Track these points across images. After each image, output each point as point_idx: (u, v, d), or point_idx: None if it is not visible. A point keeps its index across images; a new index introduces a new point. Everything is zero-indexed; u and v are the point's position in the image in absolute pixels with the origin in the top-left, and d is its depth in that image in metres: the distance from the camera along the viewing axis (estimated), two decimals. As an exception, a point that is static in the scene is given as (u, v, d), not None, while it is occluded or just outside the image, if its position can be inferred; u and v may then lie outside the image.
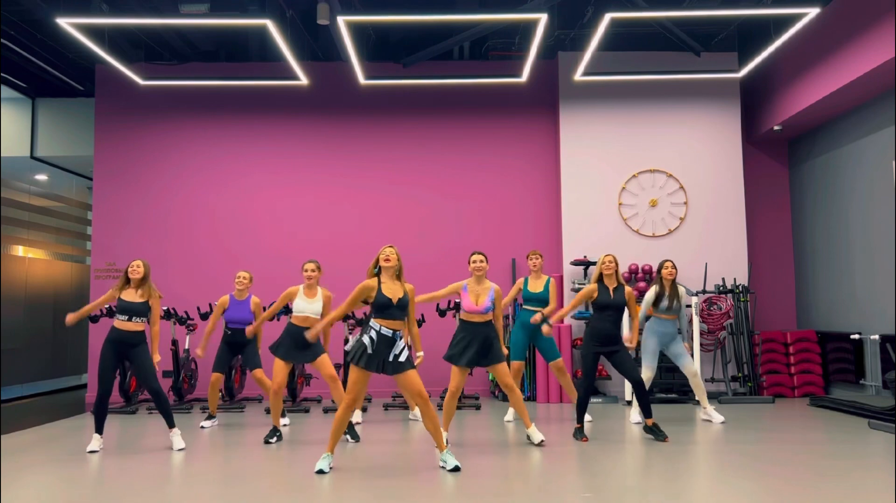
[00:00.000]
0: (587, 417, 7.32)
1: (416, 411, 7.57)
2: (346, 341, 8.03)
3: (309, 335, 5.30)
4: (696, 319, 8.57)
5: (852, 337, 8.49)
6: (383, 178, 9.93)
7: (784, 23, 7.99)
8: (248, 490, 4.62)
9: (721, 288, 9.17)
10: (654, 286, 7.03)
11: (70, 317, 6.29)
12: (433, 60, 9.74)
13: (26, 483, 4.91)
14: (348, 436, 6.34)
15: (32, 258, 11.94)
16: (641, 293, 8.74)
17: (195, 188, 9.89)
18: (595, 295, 6.27)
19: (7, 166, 10.94)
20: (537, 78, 9.71)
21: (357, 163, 9.95)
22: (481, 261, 5.99)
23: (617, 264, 6.30)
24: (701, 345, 8.96)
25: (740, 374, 8.95)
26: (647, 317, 7.14)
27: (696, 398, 7.30)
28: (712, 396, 8.87)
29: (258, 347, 7.27)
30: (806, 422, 7.20)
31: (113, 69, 8.99)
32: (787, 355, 9.23)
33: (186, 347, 8.74)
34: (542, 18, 7.07)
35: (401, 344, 5.10)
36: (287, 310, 7.78)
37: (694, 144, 9.63)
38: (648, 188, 9.60)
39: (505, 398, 9.00)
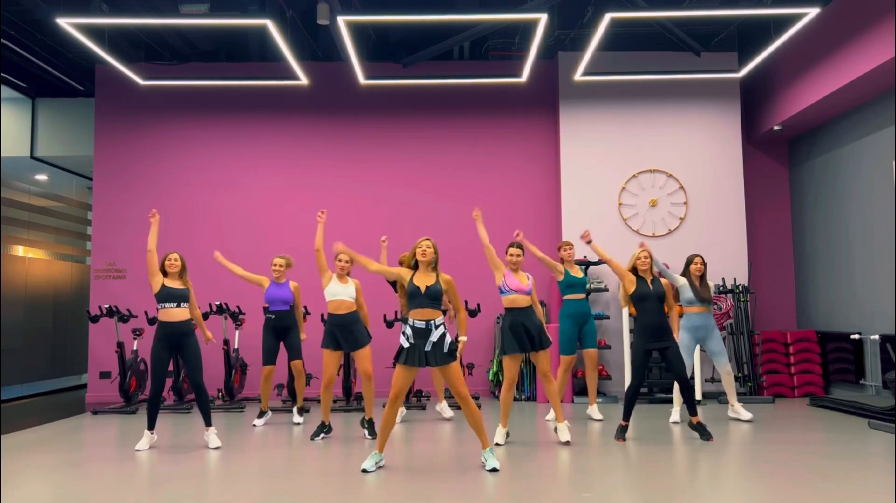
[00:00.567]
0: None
1: (443, 404, 7.61)
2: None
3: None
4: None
5: (852, 337, 8.49)
6: (383, 178, 9.94)
7: (784, 23, 7.99)
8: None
9: (721, 288, 9.17)
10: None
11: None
12: (433, 60, 9.74)
13: (26, 483, 4.91)
14: (366, 433, 6.38)
15: (32, 258, 11.94)
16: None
17: (195, 188, 9.89)
18: (631, 287, 6.27)
19: (7, 166, 10.94)
20: (537, 78, 9.71)
21: (357, 163, 9.95)
22: (518, 255, 6.19)
23: (652, 258, 6.34)
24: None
25: (740, 374, 8.95)
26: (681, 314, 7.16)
27: (726, 396, 7.44)
28: (712, 396, 8.88)
29: (300, 338, 7.34)
30: (806, 422, 7.20)
31: (113, 69, 8.99)
32: (787, 355, 9.23)
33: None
34: (542, 18, 7.08)
35: (437, 333, 5.09)
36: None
37: (694, 144, 9.63)
38: (648, 188, 9.60)
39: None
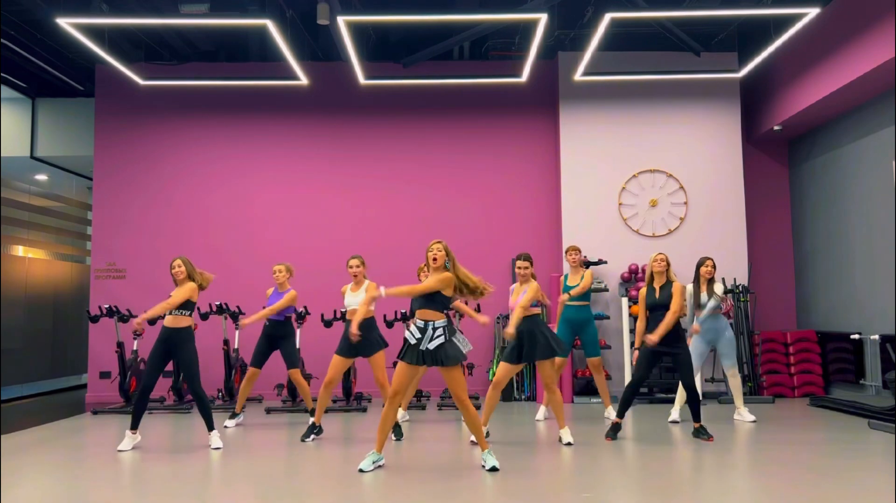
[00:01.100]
0: (607, 413, 7.37)
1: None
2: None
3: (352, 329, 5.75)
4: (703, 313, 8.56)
5: (852, 337, 8.49)
6: (383, 178, 9.93)
7: (784, 23, 7.99)
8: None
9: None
10: (690, 285, 7.14)
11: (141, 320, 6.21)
12: (433, 60, 9.74)
13: (26, 483, 4.91)
14: (392, 435, 6.37)
15: (32, 258, 11.95)
16: (633, 300, 8.82)
17: (195, 188, 9.89)
18: (642, 300, 6.44)
19: (7, 166, 10.94)
20: (537, 78, 9.71)
21: (357, 163, 9.94)
22: (525, 268, 6.21)
23: (668, 262, 6.41)
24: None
25: (740, 374, 8.94)
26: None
27: (732, 397, 7.50)
28: (712, 396, 8.88)
29: (296, 345, 7.30)
30: (806, 422, 7.20)
31: (113, 69, 8.99)
32: (787, 355, 9.22)
33: (237, 346, 8.78)
34: (542, 18, 7.07)
35: (432, 333, 5.10)
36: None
37: (694, 144, 9.63)
38: (648, 188, 9.60)
39: (504, 399, 9.01)
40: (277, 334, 7.18)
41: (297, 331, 7.95)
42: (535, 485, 4.72)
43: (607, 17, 7.16)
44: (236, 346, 8.89)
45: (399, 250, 9.49)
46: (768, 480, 4.73)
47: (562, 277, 7.55)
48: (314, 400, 6.70)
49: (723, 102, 9.65)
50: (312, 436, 6.39)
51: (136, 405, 5.99)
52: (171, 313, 6.00)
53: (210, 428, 6.09)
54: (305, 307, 8.87)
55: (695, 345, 7.08)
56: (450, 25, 8.93)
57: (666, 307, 6.26)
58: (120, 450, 5.93)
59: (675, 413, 7.18)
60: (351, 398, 8.48)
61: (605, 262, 9.31)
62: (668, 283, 6.35)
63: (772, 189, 10.37)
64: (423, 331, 5.11)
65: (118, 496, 4.52)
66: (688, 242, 9.45)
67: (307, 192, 9.90)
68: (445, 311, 5.21)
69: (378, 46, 10.01)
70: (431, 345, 5.07)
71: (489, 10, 8.14)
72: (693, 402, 6.28)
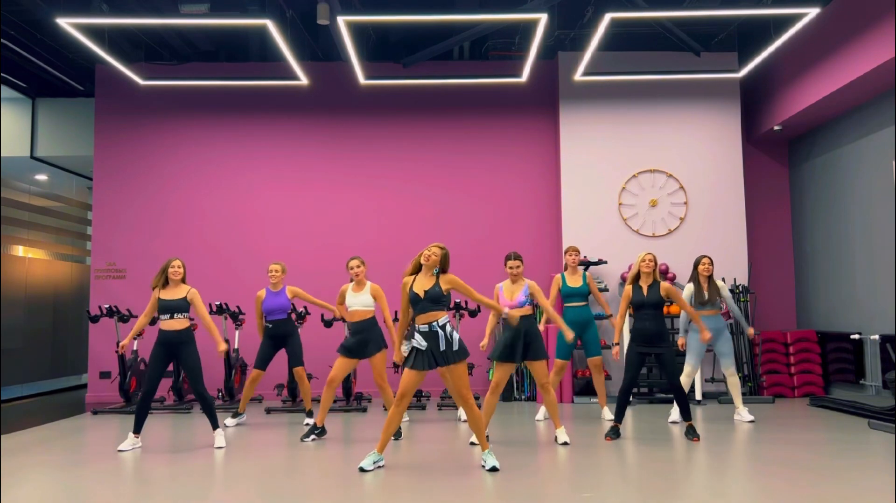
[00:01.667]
0: (607, 415, 7.37)
1: (461, 410, 7.58)
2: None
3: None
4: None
5: (852, 337, 8.50)
6: (383, 179, 9.93)
7: (784, 23, 7.99)
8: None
9: (721, 288, 9.17)
10: (689, 283, 7.14)
11: (123, 344, 6.48)
12: (433, 60, 9.74)
13: (26, 483, 4.91)
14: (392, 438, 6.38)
15: (32, 258, 11.95)
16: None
17: (195, 188, 9.89)
18: (627, 298, 6.43)
19: (7, 166, 10.94)
20: (537, 78, 9.71)
21: (357, 163, 9.95)
22: (517, 267, 6.19)
23: (656, 262, 6.41)
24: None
25: (740, 374, 8.95)
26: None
27: (731, 397, 7.43)
28: (712, 396, 8.88)
29: (300, 344, 7.34)
30: (806, 422, 7.20)
31: (113, 69, 8.99)
32: (787, 355, 9.22)
33: (237, 346, 8.79)
34: (542, 18, 7.07)
35: (444, 334, 5.11)
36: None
37: (694, 144, 9.63)
38: (648, 188, 9.60)
39: (504, 399, 9.01)
40: (281, 333, 7.22)
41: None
42: (535, 485, 4.72)
43: (607, 17, 7.16)
44: (236, 346, 8.89)
45: (399, 250, 9.49)
46: (768, 480, 4.73)
47: (557, 276, 7.43)
48: (315, 400, 6.72)
49: (723, 102, 9.65)
50: (313, 437, 6.39)
51: (138, 409, 6.00)
52: (170, 317, 6.00)
53: (214, 426, 6.10)
54: (305, 307, 8.88)
55: (689, 341, 7.09)
56: (450, 25, 8.93)
57: (654, 305, 6.27)
58: (120, 450, 5.93)
59: (674, 413, 7.18)
60: (351, 398, 8.48)
61: (605, 262, 9.31)
62: (656, 283, 6.36)
63: (772, 189, 10.37)
64: (432, 335, 5.10)
65: (118, 496, 4.52)
66: (688, 242, 9.45)
67: (307, 192, 9.90)
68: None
69: (378, 46, 10.01)
70: (454, 346, 5.11)
71: (489, 10, 8.14)
72: (680, 401, 6.28)
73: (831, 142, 9.35)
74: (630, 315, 7.27)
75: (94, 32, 8.09)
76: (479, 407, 7.95)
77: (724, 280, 9.24)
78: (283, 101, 9.96)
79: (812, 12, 7.14)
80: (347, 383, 8.41)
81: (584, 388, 9.13)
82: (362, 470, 5.06)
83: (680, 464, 5.32)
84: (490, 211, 9.93)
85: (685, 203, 9.57)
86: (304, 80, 8.73)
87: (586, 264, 9.25)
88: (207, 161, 9.93)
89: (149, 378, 5.96)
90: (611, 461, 5.44)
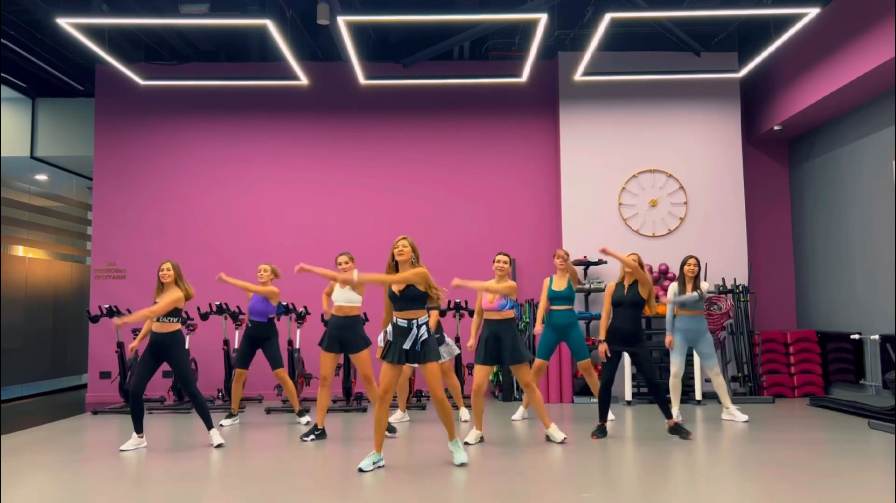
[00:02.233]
0: (610, 416, 7.37)
1: (463, 411, 7.60)
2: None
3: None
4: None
5: (852, 337, 8.49)
6: (383, 179, 9.94)
7: (784, 23, 7.99)
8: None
9: (721, 288, 9.17)
10: (674, 283, 7.15)
11: (132, 346, 6.47)
12: (433, 60, 9.74)
13: (26, 483, 4.91)
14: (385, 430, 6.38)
15: (32, 258, 11.95)
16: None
17: (195, 188, 9.89)
18: (609, 295, 6.44)
19: (7, 166, 10.94)
20: (537, 78, 9.71)
21: (357, 163, 9.95)
22: (504, 262, 6.19)
23: (640, 262, 6.40)
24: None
25: (740, 374, 8.95)
26: (674, 315, 7.18)
27: (719, 398, 7.37)
28: (712, 396, 8.86)
29: (278, 345, 7.34)
30: (806, 422, 7.20)
31: (113, 69, 8.99)
32: (787, 355, 9.22)
33: (237, 346, 8.76)
34: (542, 18, 7.07)
35: (417, 332, 5.13)
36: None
37: (694, 144, 9.63)
38: (648, 188, 9.60)
39: (505, 398, 9.01)
40: (260, 335, 7.24)
41: (293, 329, 7.96)
42: (535, 484, 4.73)
43: (607, 17, 7.16)
44: (236, 346, 8.88)
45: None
46: (768, 480, 4.73)
47: (546, 279, 7.22)
48: (302, 401, 6.69)
49: (723, 102, 9.65)
50: (312, 436, 6.39)
51: (131, 410, 6.02)
52: (158, 320, 5.99)
53: (209, 426, 6.12)
54: (305, 307, 8.88)
55: (675, 342, 7.11)
56: (450, 25, 8.93)
57: (632, 304, 6.26)
58: (122, 450, 5.94)
59: (674, 413, 7.17)
60: (351, 398, 8.48)
61: (605, 262, 9.32)
62: (636, 282, 6.35)
63: (772, 189, 10.38)
64: (405, 330, 5.12)
65: (118, 496, 4.52)
66: (688, 242, 9.45)
67: (307, 192, 9.90)
68: (428, 309, 5.25)
69: (378, 46, 10.01)
70: (418, 346, 5.12)
71: (489, 10, 8.14)
72: (659, 400, 6.26)
73: (831, 142, 9.35)
74: None
75: (94, 32, 8.09)
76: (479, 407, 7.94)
77: (723, 280, 9.27)
78: (283, 101, 9.96)
79: (812, 12, 7.14)
80: (347, 383, 8.40)
81: (585, 389, 9.12)
82: (361, 471, 5.06)
83: (679, 463, 5.32)
84: (490, 211, 9.93)
85: (685, 203, 9.57)
86: (304, 80, 8.73)
87: (586, 264, 9.26)
88: (207, 161, 9.93)
89: (137, 378, 5.99)
90: (610, 461, 5.43)
